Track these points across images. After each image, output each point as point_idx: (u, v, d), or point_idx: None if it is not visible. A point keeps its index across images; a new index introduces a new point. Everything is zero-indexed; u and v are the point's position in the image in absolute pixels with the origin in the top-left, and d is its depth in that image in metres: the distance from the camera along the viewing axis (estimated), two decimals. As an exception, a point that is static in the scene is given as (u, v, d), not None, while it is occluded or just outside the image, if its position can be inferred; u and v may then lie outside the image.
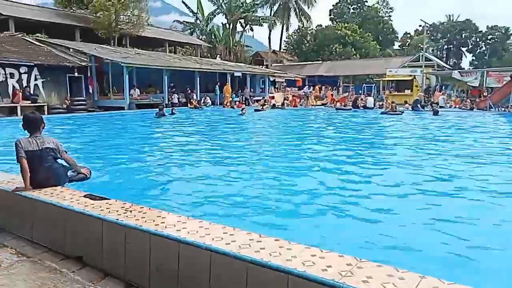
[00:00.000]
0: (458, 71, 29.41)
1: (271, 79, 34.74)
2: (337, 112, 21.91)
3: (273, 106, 24.64)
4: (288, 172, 6.62)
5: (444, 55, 65.37)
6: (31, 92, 18.56)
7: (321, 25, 55.14)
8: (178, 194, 5.35)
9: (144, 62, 22.75)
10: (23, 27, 23.12)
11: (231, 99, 26.41)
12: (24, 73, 18.45)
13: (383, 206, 4.69)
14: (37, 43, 21.66)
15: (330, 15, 59.47)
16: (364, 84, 34.04)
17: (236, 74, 28.45)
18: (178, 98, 24.26)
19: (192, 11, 43.77)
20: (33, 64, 18.67)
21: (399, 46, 65.95)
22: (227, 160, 7.81)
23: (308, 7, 49.05)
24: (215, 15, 43.78)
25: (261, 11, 46.89)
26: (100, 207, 3.20)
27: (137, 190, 5.54)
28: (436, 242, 3.64)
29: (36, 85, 18.94)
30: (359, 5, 59.44)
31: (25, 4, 26.95)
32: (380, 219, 4.31)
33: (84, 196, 3.52)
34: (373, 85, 33.02)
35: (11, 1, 25.55)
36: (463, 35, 64.63)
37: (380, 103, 24.96)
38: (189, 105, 23.71)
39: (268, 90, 32.88)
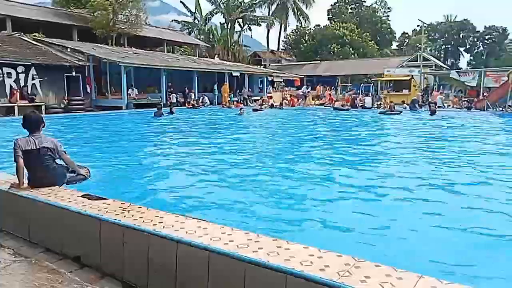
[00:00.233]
0: (456, 71, 29.48)
1: (269, 79, 34.74)
2: (336, 112, 21.89)
3: (271, 106, 24.64)
4: (287, 172, 6.63)
5: (442, 55, 65.48)
6: (29, 91, 18.51)
7: (319, 25, 55.27)
8: (176, 194, 5.34)
9: (142, 62, 22.72)
10: (20, 27, 23.02)
11: (229, 99, 26.41)
12: (22, 72, 18.39)
13: (383, 206, 4.70)
14: (34, 42, 21.58)
15: (328, 14, 59.54)
16: (362, 84, 34.07)
17: (234, 73, 28.45)
18: (176, 98, 24.24)
19: (190, 11, 43.78)
20: (30, 63, 18.61)
21: (397, 46, 66.11)
22: (225, 160, 7.80)
23: (306, 7, 49.17)
24: (213, 15, 43.79)
25: (259, 10, 46.98)
26: (98, 207, 3.19)
27: (135, 190, 5.53)
28: (436, 242, 3.65)
29: (33, 84, 18.88)
30: (357, 5, 59.55)
31: (22, 3, 26.82)
32: (380, 219, 4.31)
33: (82, 196, 3.50)
34: (371, 85, 33.06)
35: (9, 0, 25.45)
36: (461, 35, 64.77)
37: (378, 103, 24.98)
38: (186, 105, 23.69)
39: (266, 90, 32.88)
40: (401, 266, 2.11)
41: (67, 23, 26.52)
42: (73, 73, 20.34)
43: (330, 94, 29.99)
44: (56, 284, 2.73)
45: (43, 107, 18.18)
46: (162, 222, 2.81)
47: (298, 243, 2.43)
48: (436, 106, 21.26)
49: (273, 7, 48.09)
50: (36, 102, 18.19)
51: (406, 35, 67.50)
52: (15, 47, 19.66)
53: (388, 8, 62.57)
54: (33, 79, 18.84)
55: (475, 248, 3.60)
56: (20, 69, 18.30)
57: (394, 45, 65.07)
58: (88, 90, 21.21)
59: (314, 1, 48.73)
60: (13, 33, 22.40)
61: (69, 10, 28.21)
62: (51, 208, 3.36)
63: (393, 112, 19.77)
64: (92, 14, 25.72)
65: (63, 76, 20.01)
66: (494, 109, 21.52)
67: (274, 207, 4.68)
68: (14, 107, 17.45)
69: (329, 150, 9.31)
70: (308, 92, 30.39)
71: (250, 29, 46.20)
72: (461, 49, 66.79)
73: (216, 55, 35.75)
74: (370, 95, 28.20)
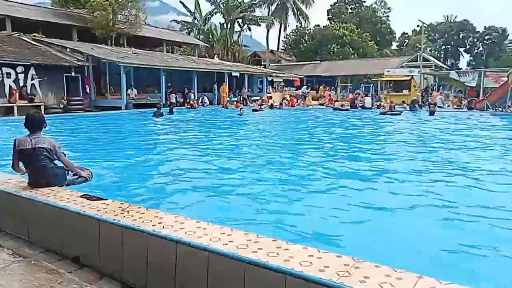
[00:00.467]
0: (456, 71, 29.50)
1: (269, 79, 34.74)
2: (336, 113, 21.87)
3: (271, 106, 24.63)
4: (286, 172, 6.62)
5: (442, 55, 65.56)
6: (28, 91, 18.49)
7: (319, 25, 55.30)
8: (176, 194, 5.34)
9: (142, 62, 22.70)
10: (20, 27, 23.01)
11: (228, 99, 26.40)
12: (21, 72, 18.36)
13: (382, 206, 4.70)
14: (34, 42, 21.55)
15: (328, 15, 59.59)
16: (362, 84, 34.09)
17: (234, 74, 28.43)
18: (176, 98, 24.23)
19: (190, 11, 43.75)
20: (30, 63, 18.58)
21: (397, 46, 66.19)
22: (225, 160, 7.80)
23: (306, 7, 49.19)
24: (213, 15, 43.79)
25: (259, 10, 47.00)
26: (97, 207, 3.19)
27: (135, 190, 5.52)
28: (435, 242, 3.65)
29: (33, 84, 18.85)
30: (357, 5, 59.59)
31: (22, 3, 26.80)
32: (379, 219, 4.31)
33: (81, 197, 3.50)
34: (371, 85, 33.07)
35: (8, 1, 25.44)
36: (461, 36, 64.85)
37: (378, 103, 24.98)
38: (186, 105, 23.68)
39: (266, 90, 32.88)
40: (400, 266, 2.10)
41: (67, 23, 26.50)
42: (73, 73, 20.31)
43: (329, 95, 30.00)
44: (55, 284, 2.73)
45: (42, 107, 18.14)
46: (161, 223, 2.80)
47: (298, 243, 2.43)
48: (436, 107, 21.27)
49: (273, 7, 48.14)
50: (36, 102, 18.16)
51: (406, 35, 67.58)
52: (14, 47, 19.64)
53: (388, 8, 62.73)
54: (32, 79, 18.81)
55: (475, 248, 3.60)
56: (19, 69, 18.28)
57: (394, 45, 65.15)
58: (88, 90, 21.18)
59: (314, 1, 48.79)
60: (12, 33, 22.38)
61: (69, 10, 28.21)
62: (51, 209, 3.36)
63: (393, 113, 19.74)
64: (91, 14, 25.70)
65: (62, 76, 19.99)
66: (494, 110, 21.52)
67: (274, 207, 4.67)
68: (13, 107, 17.43)
69: (328, 151, 9.30)
70: (308, 92, 30.38)
71: (249, 29, 46.28)
72: (461, 49, 66.90)
73: (216, 55, 35.74)
74: (370, 95, 28.21)
